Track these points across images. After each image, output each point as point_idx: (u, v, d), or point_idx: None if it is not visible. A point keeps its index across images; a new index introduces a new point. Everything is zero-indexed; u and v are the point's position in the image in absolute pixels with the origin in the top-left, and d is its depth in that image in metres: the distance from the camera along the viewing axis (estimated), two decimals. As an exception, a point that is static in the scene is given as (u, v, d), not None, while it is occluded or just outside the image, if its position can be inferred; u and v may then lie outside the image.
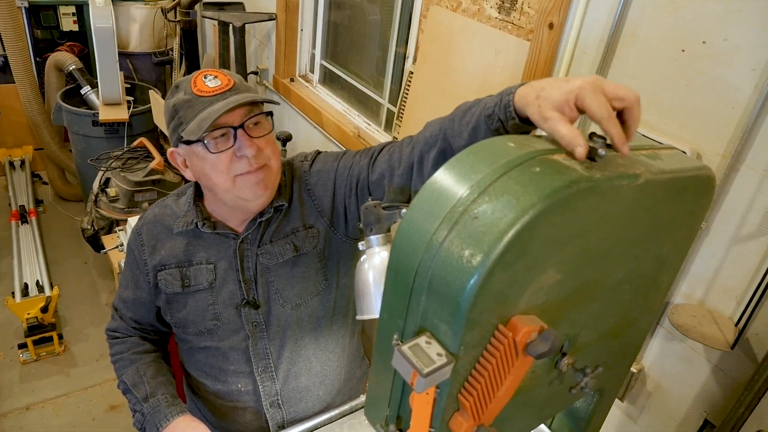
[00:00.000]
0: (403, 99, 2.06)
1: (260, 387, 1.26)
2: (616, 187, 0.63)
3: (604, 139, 0.64)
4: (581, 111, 0.67)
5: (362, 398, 1.32)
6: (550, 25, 1.38)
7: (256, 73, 3.27)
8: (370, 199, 0.87)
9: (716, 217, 1.15)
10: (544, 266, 0.60)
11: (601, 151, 0.62)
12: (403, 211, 0.86)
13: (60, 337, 2.78)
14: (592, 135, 0.65)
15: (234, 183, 1.09)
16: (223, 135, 1.06)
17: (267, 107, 1.11)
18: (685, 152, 1.14)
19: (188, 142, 1.07)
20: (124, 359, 1.28)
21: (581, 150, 0.62)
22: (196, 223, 1.19)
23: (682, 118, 1.18)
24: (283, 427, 1.29)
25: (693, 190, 0.78)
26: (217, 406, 1.31)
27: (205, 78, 1.07)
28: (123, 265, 1.31)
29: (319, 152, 1.26)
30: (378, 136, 2.40)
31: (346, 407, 1.27)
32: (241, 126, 1.06)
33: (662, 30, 1.18)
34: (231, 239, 1.20)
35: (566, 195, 0.56)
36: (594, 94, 0.65)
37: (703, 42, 1.11)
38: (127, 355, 1.29)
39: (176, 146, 1.13)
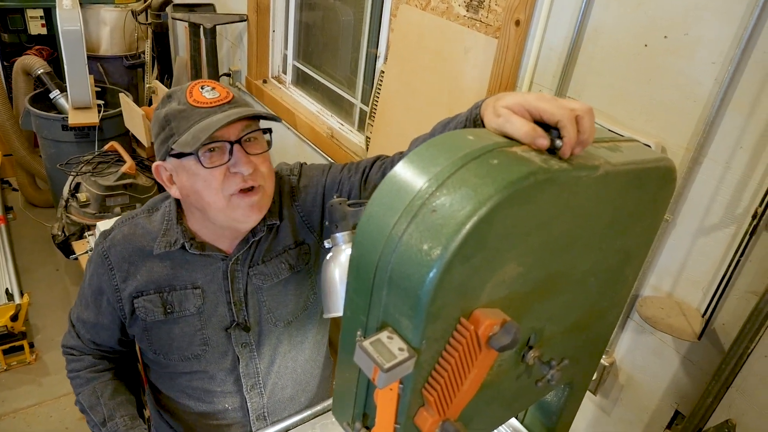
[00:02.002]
0: (375, 98, 2.06)
1: (248, 403, 1.23)
2: (575, 178, 0.63)
3: (563, 130, 0.64)
4: (536, 120, 0.65)
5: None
6: (517, 22, 1.39)
7: (228, 75, 3.24)
8: (335, 197, 0.86)
9: (681, 209, 1.17)
10: (505, 258, 0.60)
11: (559, 142, 0.62)
12: (368, 207, 0.86)
13: (31, 345, 2.72)
14: (549, 128, 0.65)
15: (228, 203, 1.02)
16: (214, 150, 0.99)
17: (266, 124, 1.06)
18: (650, 146, 1.15)
19: (179, 156, 1.00)
20: (81, 377, 1.23)
21: (543, 141, 0.62)
22: (183, 244, 1.10)
23: (647, 112, 1.19)
24: None
25: (654, 181, 0.79)
26: (199, 426, 1.26)
27: (202, 88, 1.00)
28: (84, 283, 1.21)
29: (302, 164, 1.21)
30: (351, 136, 2.39)
31: (318, 408, 1.26)
32: (238, 141, 0.99)
33: (626, 26, 1.19)
34: (219, 260, 1.13)
35: (524, 186, 0.56)
36: (548, 100, 0.65)
37: (665, 37, 1.12)
38: (83, 374, 1.23)
39: (164, 159, 1.04)
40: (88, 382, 1.22)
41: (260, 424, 1.27)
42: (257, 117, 1.03)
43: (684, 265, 1.19)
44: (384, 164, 1.07)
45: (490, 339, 0.59)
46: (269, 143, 1.07)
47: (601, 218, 0.72)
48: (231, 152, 0.99)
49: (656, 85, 1.16)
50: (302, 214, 1.17)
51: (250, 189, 1.03)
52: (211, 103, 0.99)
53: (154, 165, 1.07)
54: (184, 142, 0.97)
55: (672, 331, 1.12)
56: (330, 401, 1.30)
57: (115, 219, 2.00)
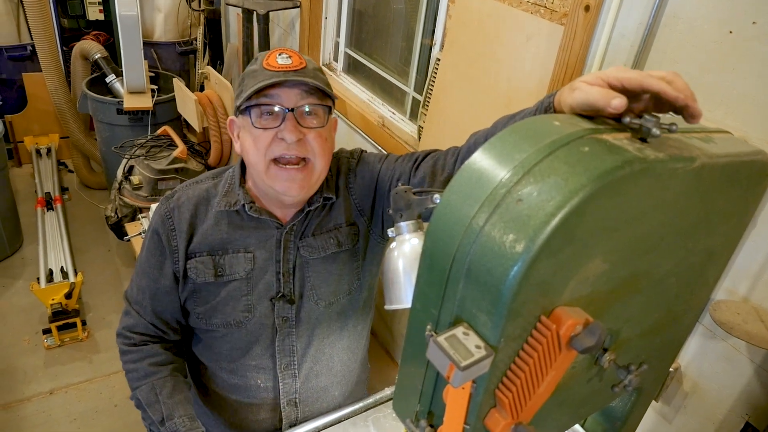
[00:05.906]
0: (430, 87, 2.01)
1: (280, 384, 1.22)
2: (671, 170, 0.58)
3: (658, 118, 0.59)
4: (617, 90, 0.63)
5: (386, 391, 1.28)
6: (586, 8, 1.32)
7: (279, 61, 3.23)
8: (400, 184, 0.83)
9: (764, 208, 1.09)
10: (592, 254, 0.56)
11: (655, 131, 0.57)
12: (435, 196, 0.82)
13: (83, 323, 2.80)
14: (642, 114, 0.60)
15: (267, 169, 1.05)
16: (271, 114, 1.03)
17: (328, 101, 1.08)
18: (731, 140, 1.08)
19: (241, 112, 1.05)
20: (138, 371, 1.20)
21: (618, 101, 0.59)
22: (243, 205, 1.12)
23: (727, 103, 1.12)
24: (295, 425, 1.25)
25: (747, 177, 0.73)
26: (230, 401, 1.26)
27: (279, 55, 1.04)
28: (142, 253, 1.21)
29: (363, 152, 1.24)
30: (403, 125, 2.35)
31: (370, 400, 1.24)
32: (292, 110, 1.02)
33: (707, 10, 1.12)
34: (274, 228, 1.14)
35: (618, 177, 0.52)
36: (628, 71, 0.63)
37: (753, 23, 1.04)
38: (142, 366, 1.20)
39: (236, 115, 1.10)
40: (147, 376, 1.19)
41: (290, 410, 1.25)
42: (316, 89, 1.03)
43: (764, 268, 1.11)
44: (436, 155, 1.07)
45: (571, 339, 0.56)
46: (327, 120, 1.07)
47: (691, 214, 0.67)
48: (284, 119, 1.02)
49: (740, 74, 1.08)
50: (355, 197, 1.19)
51: (295, 162, 1.05)
52: (279, 68, 1.02)
53: (228, 118, 1.14)
54: (240, 98, 1.03)
55: (750, 338, 1.05)
56: (381, 394, 1.28)
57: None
